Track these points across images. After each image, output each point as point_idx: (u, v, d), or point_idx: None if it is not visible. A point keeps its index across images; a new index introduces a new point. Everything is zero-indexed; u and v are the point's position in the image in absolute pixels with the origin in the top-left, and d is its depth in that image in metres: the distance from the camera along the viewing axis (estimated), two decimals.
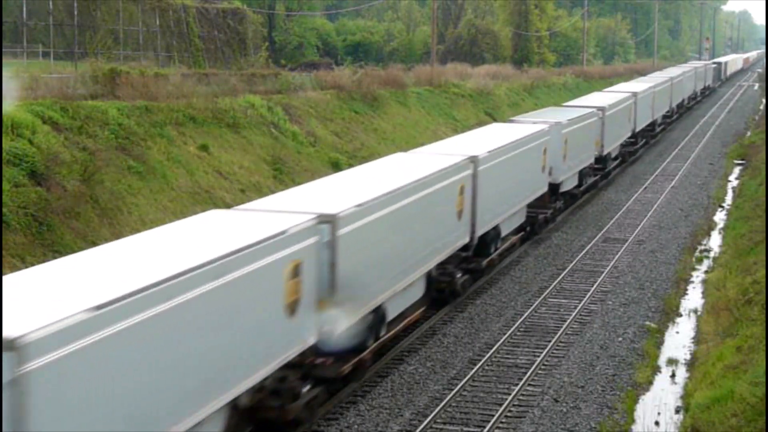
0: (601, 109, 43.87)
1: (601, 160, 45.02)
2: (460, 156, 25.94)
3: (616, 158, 50.35)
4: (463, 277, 26.68)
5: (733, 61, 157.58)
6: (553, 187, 35.92)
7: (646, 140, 61.42)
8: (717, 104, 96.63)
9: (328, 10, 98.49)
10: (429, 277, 24.14)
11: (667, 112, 71.89)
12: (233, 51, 63.14)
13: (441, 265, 24.98)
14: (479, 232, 27.06)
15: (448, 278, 25.66)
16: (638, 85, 62.32)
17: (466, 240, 26.38)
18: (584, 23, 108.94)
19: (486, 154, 27.27)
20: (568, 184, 38.28)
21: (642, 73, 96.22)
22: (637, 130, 56.00)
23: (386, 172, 23.75)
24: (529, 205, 32.90)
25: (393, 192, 20.87)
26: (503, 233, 30.27)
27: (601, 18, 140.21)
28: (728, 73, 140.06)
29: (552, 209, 36.17)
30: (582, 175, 40.86)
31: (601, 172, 46.17)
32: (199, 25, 60.89)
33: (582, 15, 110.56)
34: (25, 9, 50.73)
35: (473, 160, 26.28)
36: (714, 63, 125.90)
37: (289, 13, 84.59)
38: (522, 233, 33.05)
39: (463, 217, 25.77)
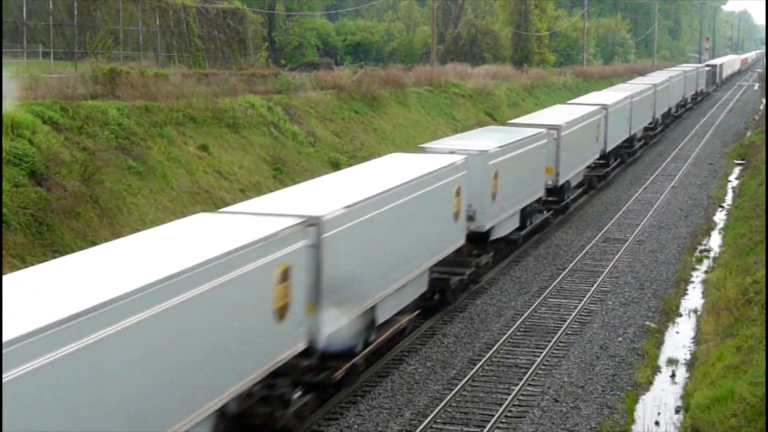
0: (555, 128, 35.49)
1: (556, 191, 36.54)
2: (288, 219, 16.84)
3: (581, 185, 42.04)
4: (303, 398, 17.83)
5: (730, 62, 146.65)
6: (478, 237, 27.46)
7: (621, 160, 52.94)
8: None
9: (328, 10, 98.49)
10: (222, 413, 15.04)
11: (650, 123, 62.62)
12: (233, 51, 63.12)
13: (266, 386, 16.46)
14: (328, 329, 17.87)
15: (267, 410, 16.69)
16: (611, 95, 53.25)
17: (300, 347, 17.13)
18: (584, 23, 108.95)
19: (339, 212, 18.22)
20: (503, 228, 29.63)
21: (641, 72, 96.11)
22: (609, 149, 47.19)
23: (150, 255, 14.59)
24: (440, 264, 24.52)
25: (125, 299, 12.21)
26: (383, 318, 21.12)
27: (601, 18, 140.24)
28: (724, 75, 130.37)
29: (474, 266, 27.45)
30: (526, 213, 32.45)
31: (557, 206, 37.45)
32: (199, 25, 60.87)
33: (582, 15, 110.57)
34: (25, 9, 50.72)
35: (314, 224, 17.24)
36: (707, 66, 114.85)
37: (289, 13, 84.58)
38: (419, 310, 23.94)
39: (291, 314, 16.49)
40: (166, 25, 58.21)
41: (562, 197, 37.78)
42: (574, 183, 40.05)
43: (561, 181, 36.45)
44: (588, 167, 43.01)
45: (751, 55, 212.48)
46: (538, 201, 34.07)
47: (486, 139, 30.41)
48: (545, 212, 35.76)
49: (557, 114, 40.75)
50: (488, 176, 27.29)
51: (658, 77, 73.10)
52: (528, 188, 32.17)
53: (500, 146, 28.59)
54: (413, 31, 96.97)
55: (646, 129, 61.11)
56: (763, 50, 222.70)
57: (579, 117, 39.67)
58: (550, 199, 36.38)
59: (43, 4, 51.49)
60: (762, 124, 69.74)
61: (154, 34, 57.13)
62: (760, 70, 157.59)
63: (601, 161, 46.53)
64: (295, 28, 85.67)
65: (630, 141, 54.51)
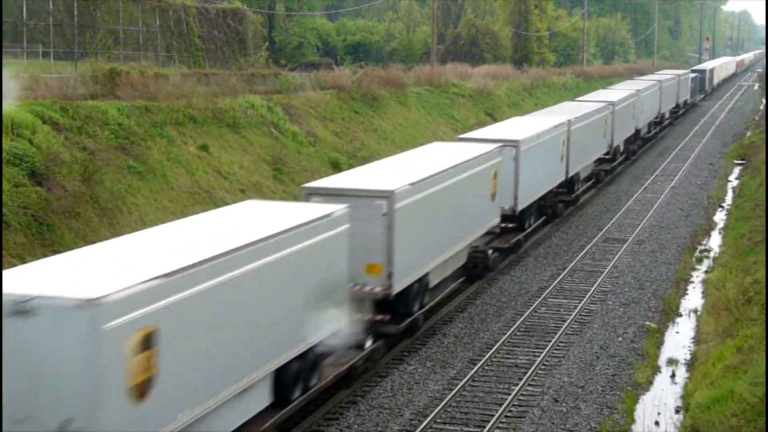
0: (383, 195, 20.85)
1: (389, 303, 21.51)
2: None
3: (471, 266, 28.13)
4: None
5: (723, 66, 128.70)
6: None
7: (551, 213, 37.24)
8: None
9: (328, 10, 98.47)
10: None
11: (606, 154, 47.46)
12: (233, 51, 63.14)
13: None
14: None
15: None
16: (529, 123, 36.90)
17: None
18: (584, 23, 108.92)
19: None
20: None
21: (641, 72, 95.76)
22: (525, 205, 32.05)
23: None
24: None
25: None
26: None
27: (601, 18, 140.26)
28: (716, 81, 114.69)
29: None
30: (287, 378, 17.22)
31: (393, 330, 21.84)
32: (199, 25, 60.89)
33: (582, 15, 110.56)
34: (25, 9, 50.74)
35: None
36: (694, 71, 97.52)
37: (289, 13, 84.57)
38: None
39: None
40: (166, 25, 58.22)
41: (406, 309, 22.30)
42: (437, 279, 25.01)
43: (399, 287, 21.28)
44: (485, 236, 29.28)
45: (748, 56, 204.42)
46: (337, 333, 18.76)
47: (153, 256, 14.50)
48: (368, 341, 20.60)
49: (408, 166, 24.73)
50: (116, 357, 12.48)
51: (618, 92, 55.71)
52: (282, 337, 16.71)
53: (157, 280, 13.18)
54: (413, 31, 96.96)
55: (600, 161, 46.91)
56: (761, 51, 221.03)
57: (446, 169, 24.38)
58: (378, 318, 21.53)
59: (43, 4, 51.52)
60: (762, 124, 69.70)
61: (154, 34, 57.14)
62: (760, 70, 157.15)
63: (509, 225, 31.74)
64: (295, 28, 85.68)
65: (568, 185, 39.38)
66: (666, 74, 79.38)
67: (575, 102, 50.63)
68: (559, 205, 38.35)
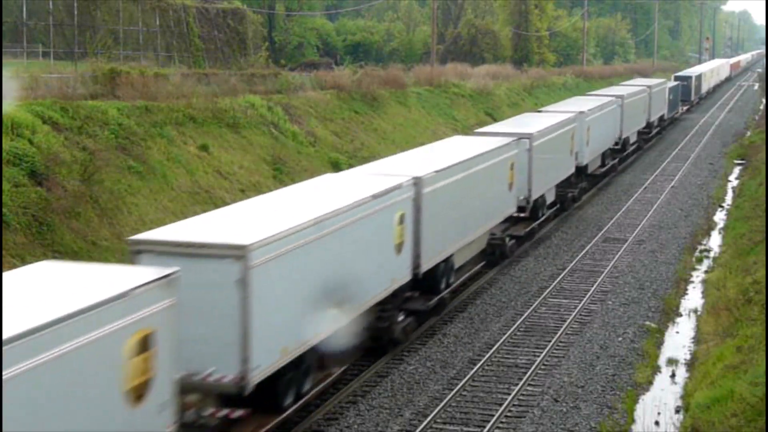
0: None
1: None
2: None
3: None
4: None
5: (714, 70, 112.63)
6: None
7: (387, 339, 22.11)
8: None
9: (328, 10, 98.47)
10: None
11: (519, 210, 32.54)
12: (233, 51, 63.11)
13: None
14: None
15: None
16: (327, 197, 19.89)
17: None
18: (584, 23, 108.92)
19: None
20: None
21: (641, 73, 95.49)
22: (264, 371, 15.91)
23: None
24: None
25: None
26: None
27: (601, 18, 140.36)
28: (705, 89, 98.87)
29: None
30: None
31: None
32: (199, 25, 60.86)
33: (582, 15, 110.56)
34: (25, 9, 50.71)
35: None
36: (677, 79, 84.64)
37: (289, 13, 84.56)
38: None
39: None
40: (166, 25, 58.20)
41: None
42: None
43: None
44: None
45: (745, 57, 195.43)
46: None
47: None
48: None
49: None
50: None
51: (547, 117, 39.19)
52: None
53: None
54: (413, 31, 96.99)
55: (511, 222, 32.89)
56: (760, 51, 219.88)
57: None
58: None
59: (43, 4, 51.49)
60: (762, 124, 69.70)
61: (154, 34, 57.12)
62: (760, 70, 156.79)
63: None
64: (295, 28, 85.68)
65: (424, 283, 23.88)
66: (634, 85, 63.28)
67: (469, 137, 34.07)
68: (401, 321, 22.69)
